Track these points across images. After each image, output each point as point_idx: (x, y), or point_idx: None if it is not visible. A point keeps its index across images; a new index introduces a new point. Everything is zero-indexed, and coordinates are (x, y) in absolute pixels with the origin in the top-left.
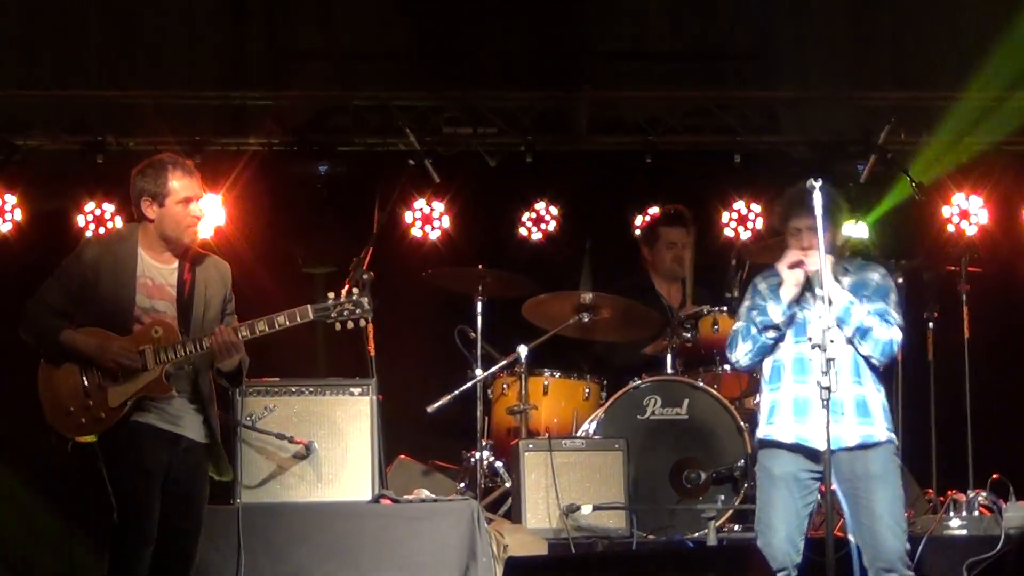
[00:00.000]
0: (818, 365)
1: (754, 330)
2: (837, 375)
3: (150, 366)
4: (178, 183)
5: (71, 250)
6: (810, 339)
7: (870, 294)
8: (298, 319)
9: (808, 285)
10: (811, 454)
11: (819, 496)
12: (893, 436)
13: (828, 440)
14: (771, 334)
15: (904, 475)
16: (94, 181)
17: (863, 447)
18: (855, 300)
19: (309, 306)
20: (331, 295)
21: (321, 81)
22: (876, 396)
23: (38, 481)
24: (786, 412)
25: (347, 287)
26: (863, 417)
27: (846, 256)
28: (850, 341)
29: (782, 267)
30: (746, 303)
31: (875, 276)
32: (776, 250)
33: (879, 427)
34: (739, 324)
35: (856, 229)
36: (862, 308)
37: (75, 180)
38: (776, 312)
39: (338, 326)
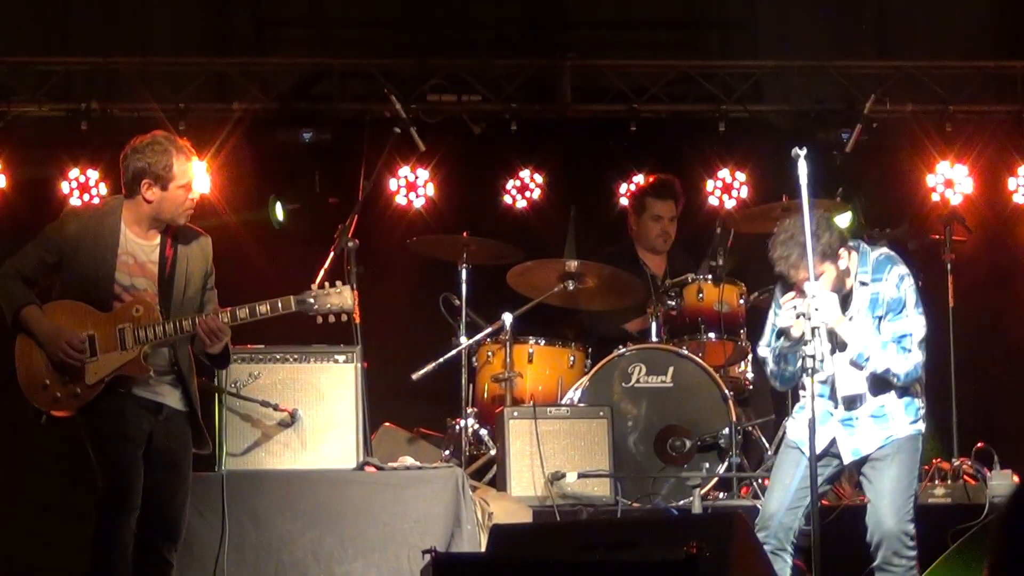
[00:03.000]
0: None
1: (782, 363)
2: (823, 341)
3: (128, 346)
4: (182, 167)
5: (55, 217)
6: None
7: (884, 312)
8: (280, 309)
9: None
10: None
11: (837, 472)
12: (919, 428)
13: (812, 412)
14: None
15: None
16: (78, 148)
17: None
18: (868, 343)
19: (292, 297)
20: (315, 286)
21: (305, 48)
22: (899, 401)
23: (13, 453)
24: (802, 418)
25: (324, 276)
26: (881, 423)
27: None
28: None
29: (781, 321)
30: (771, 318)
31: (888, 289)
32: (760, 219)
33: (899, 425)
34: (765, 353)
35: (841, 218)
36: (876, 346)
37: (59, 147)
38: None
39: (320, 319)
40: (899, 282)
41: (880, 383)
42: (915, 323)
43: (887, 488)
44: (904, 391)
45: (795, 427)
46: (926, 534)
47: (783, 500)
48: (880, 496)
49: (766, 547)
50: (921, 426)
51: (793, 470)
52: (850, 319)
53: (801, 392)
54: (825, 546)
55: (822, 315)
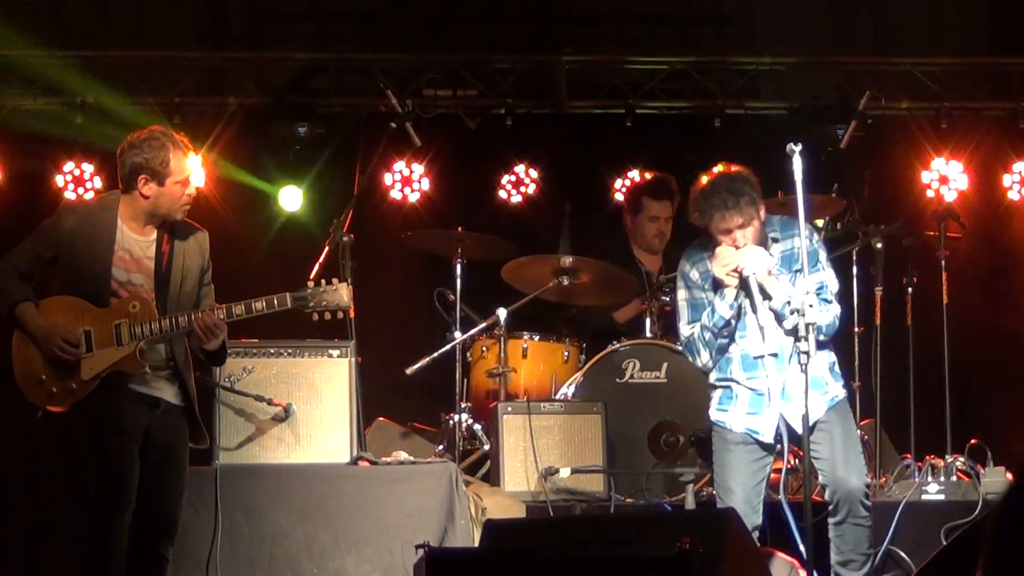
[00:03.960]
0: (769, 361)
1: (708, 335)
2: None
3: (124, 341)
4: (179, 163)
5: (50, 210)
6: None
7: (801, 266)
8: (276, 306)
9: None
10: (763, 445)
11: (775, 457)
12: (844, 392)
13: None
14: (726, 332)
15: (882, 440)
16: (73, 141)
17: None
18: (792, 293)
19: (288, 294)
20: (310, 282)
21: (301, 42)
22: (824, 364)
23: (8, 447)
24: (741, 404)
25: (319, 271)
26: (819, 389)
27: (768, 217)
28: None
29: (717, 270)
30: (682, 296)
31: (802, 243)
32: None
33: (835, 388)
34: (691, 331)
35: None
36: (798, 298)
37: (54, 140)
38: (724, 308)
39: (316, 316)
40: (811, 235)
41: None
42: (831, 275)
43: (841, 451)
44: (822, 358)
45: (735, 418)
46: (920, 531)
47: (750, 500)
48: (837, 456)
49: None
50: (844, 392)
51: (748, 465)
52: (769, 272)
53: (723, 383)
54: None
55: (754, 264)
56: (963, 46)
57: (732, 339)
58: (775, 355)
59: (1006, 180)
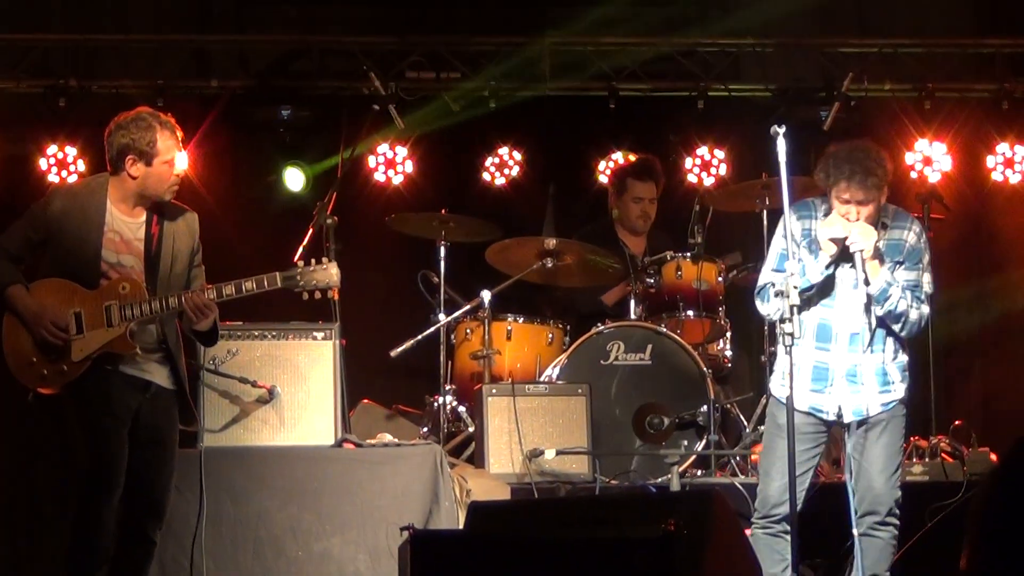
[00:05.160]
0: (844, 339)
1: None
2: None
3: (115, 323)
4: (166, 143)
5: (34, 193)
6: (774, 285)
7: (903, 259)
8: (266, 286)
9: (845, 251)
10: (823, 423)
11: (824, 447)
12: (906, 396)
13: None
14: (804, 296)
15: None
16: (57, 124)
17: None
18: (893, 281)
19: (278, 273)
20: (300, 262)
21: (285, 25)
22: (896, 361)
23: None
24: (804, 378)
25: (303, 254)
26: (884, 386)
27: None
28: (868, 308)
29: (823, 237)
30: (777, 243)
31: (911, 237)
32: (738, 197)
33: (898, 390)
34: (770, 278)
35: None
36: (898, 290)
37: (38, 123)
38: (815, 271)
39: (305, 295)
40: (921, 234)
41: (884, 328)
42: (928, 278)
43: (881, 455)
44: (897, 356)
45: (799, 395)
46: (904, 511)
47: (781, 481)
48: (874, 463)
49: (772, 531)
50: (906, 396)
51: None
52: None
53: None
54: (804, 525)
55: (863, 242)
56: (946, 27)
57: (807, 305)
58: (855, 334)
59: (989, 161)
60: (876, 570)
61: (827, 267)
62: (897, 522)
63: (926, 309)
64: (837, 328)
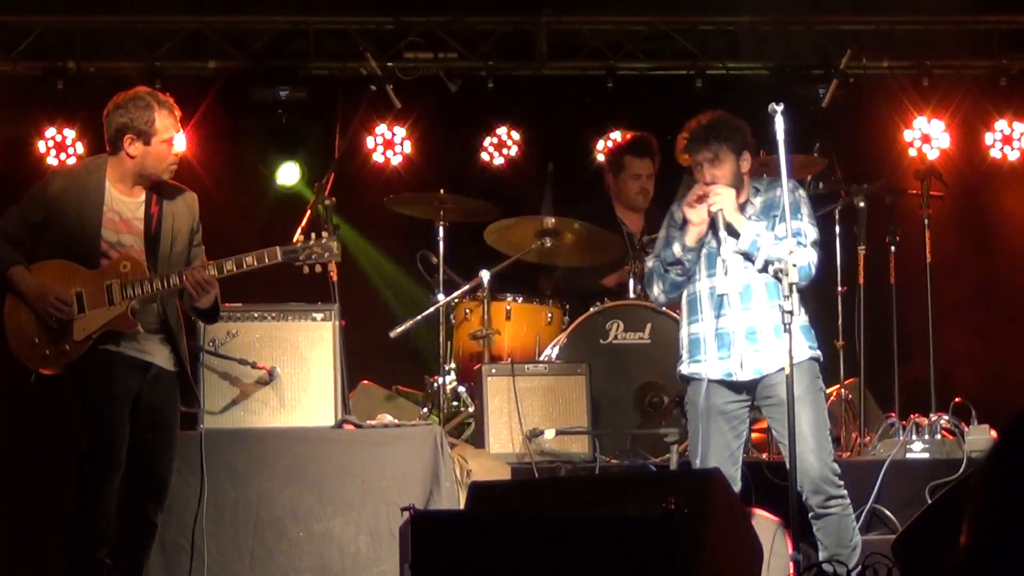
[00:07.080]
0: (735, 299)
1: (661, 267)
2: (730, 305)
3: (116, 301)
4: (164, 122)
5: (32, 176)
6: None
7: (779, 213)
8: (266, 260)
9: (714, 220)
10: (738, 387)
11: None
12: (816, 354)
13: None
14: (678, 270)
15: (866, 399)
16: (54, 107)
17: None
18: (762, 232)
19: (278, 248)
20: (300, 237)
21: (281, 5)
22: (796, 317)
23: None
24: (711, 348)
25: (306, 227)
26: (782, 342)
27: (758, 176)
28: (763, 269)
29: (684, 205)
30: (662, 233)
31: (783, 193)
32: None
33: (799, 346)
34: (653, 262)
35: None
36: (769, 238)
37: (35, 106)
38: (679, 249)
39: (306, 269)
40: (794, 190)
41: (774, 283)
42: (808, 225)
43: (806, 431)
44: (802, 313)
45: (709, 366)
46: (904, 489)
47: (726, 471)
48: (801, 440)
49: None
50: (818, 354)
51: (722, 436)
52: (749, 217)
53: (692, 329)
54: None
55: (721, 201)
56: (944, 4)
57: (688, 278)
58: (740, 294)
59: (988, 138)
60: (842, 543)
61: (701, 240)
62: (843, 491)
63: (812, 254)
64: (728, 292)
